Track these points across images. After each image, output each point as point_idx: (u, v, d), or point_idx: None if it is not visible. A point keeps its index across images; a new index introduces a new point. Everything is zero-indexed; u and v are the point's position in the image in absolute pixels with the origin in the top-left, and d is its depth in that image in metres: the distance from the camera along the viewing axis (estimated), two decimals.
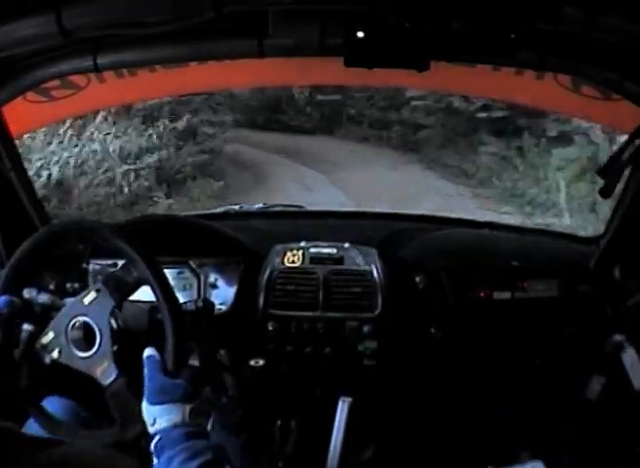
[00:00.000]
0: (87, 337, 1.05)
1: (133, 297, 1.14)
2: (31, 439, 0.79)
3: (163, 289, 1.05)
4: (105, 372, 1.03)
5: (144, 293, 1.09)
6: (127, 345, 1.07)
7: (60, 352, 1.06)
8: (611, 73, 1.26)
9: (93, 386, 1.04)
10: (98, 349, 1.04)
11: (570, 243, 1.73)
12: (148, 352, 0.97)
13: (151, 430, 0.89)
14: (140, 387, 0.97)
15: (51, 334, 1.07)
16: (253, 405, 1.45)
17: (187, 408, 0.90)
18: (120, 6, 1.02)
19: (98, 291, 1.06)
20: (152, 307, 1.11)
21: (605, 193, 1.25)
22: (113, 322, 1.06)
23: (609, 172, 1.24)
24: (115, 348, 1.05)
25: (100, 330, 1.04)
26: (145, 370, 0.95)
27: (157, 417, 0.89)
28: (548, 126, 6.96)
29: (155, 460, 0.85)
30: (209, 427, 0.96)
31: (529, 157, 7.28)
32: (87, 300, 1.07)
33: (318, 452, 1.28)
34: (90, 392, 1.06)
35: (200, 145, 7.76)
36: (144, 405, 0.92)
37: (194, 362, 1.01)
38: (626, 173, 1.40)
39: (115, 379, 1.01)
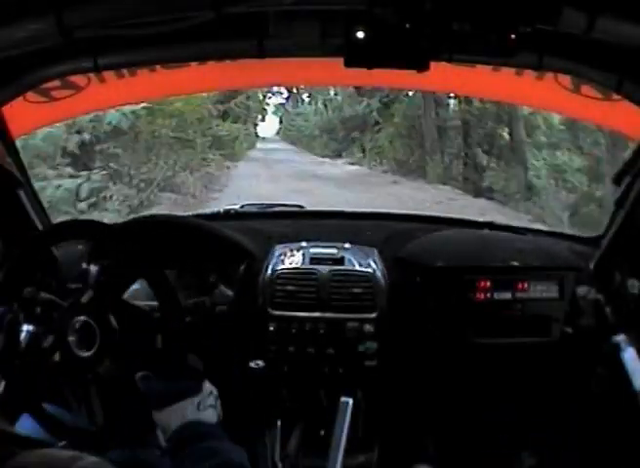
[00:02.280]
0: (87, 337, 1.05)
1: (133, 298, 1.14)
2: (17, 438, 0.78)
3: (163, 289, 1.05)
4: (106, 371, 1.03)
5: (145, 293, 1.09)
6: (127, 344, 1.07)
7: (61, 354, 1.06)
8: (610, 74, 1.26)
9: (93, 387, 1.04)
10: (98, 348, 1.05)
11: (570, 243, 1.73)
12: (140, 375, 0.96)
13: (167, 437, 0.88)
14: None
15: (51, 338, 1.07)
16: (253, 406, 1.45)
17: (195, 402, 0.89)
18: (120, 6, 1.02)
19: (94, 290, 1.07)
20: (152, 308, 1.11)
21: (621, 202, 1.24)
22: (113, 320, 1.06)
23: (623, 178, 1.23)
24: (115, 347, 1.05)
25: (99, 328, 1.04)
26: (143, 388, 0.94)
27: (170, 422, 0.88)
28: None
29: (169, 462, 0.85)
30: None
31: None
32: (85, 300, 1.07)
33: (319, 453, 1.28)
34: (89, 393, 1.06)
35: None
36: (155, 416, 0.91)
37: (192, 359, 1.00)
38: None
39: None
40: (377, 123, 12.31)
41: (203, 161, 9.38)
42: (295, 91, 19.38)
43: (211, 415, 0.91)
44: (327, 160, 13.49)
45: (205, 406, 0.90)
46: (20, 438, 0.80)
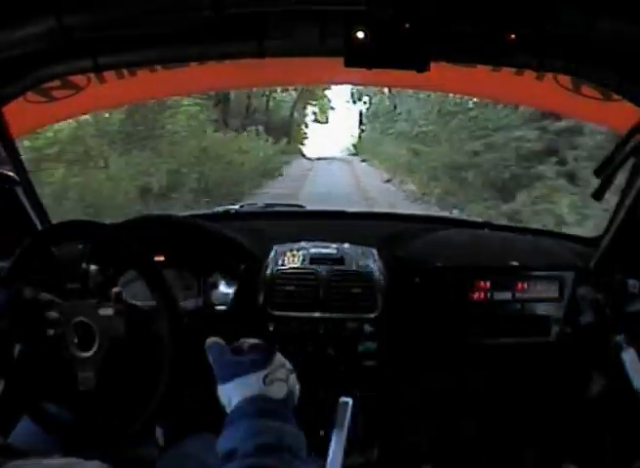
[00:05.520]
0: (87, 337, 1.05)
1: (132, 299, 1.14)
2: (12, 451, 0.76)
3: (161, 290, 1.05)
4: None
5: (145, 293, 1.09)
6: (126, 344, 1.07)
7: (60, 354, 1.07)
8: (610, 74, 1.26)
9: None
10: (97, 348, 1.05)
11: (570, 243, 1.73)
12: (211, 340, 0.93)
13: (228, 411, 0.83)
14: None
15: (50, 339, 1.07)
16: None
17: (260, 376, 0.85)
18: (120, 6, 1.02)
19: (93, 290, 1.07)
20: (152, 308, 1.11)
21: (598, 195, 1.24)
22: (112, 320, 1.06)
23: (605, 172, 1.23)
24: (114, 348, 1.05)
25: (98, 326, 1.05)
26: (210, 357, 0.89)
27: (231, 396, 0.84)
28: None
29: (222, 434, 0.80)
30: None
31: None
32: (84, 300, 1.07)
33: (319, 454, 1.28)
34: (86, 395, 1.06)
35: None
36: (219, 389, 0.86)
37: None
38: (627, 172, 1.40)
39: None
40: None
41: None
42: None
43: (277, 389, 0.85)
44: None
45: (272, 379, 0.85)
46: (7, 448, 0.78)
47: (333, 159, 13.83)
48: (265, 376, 0.85)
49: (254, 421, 0.78)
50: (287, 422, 0.80)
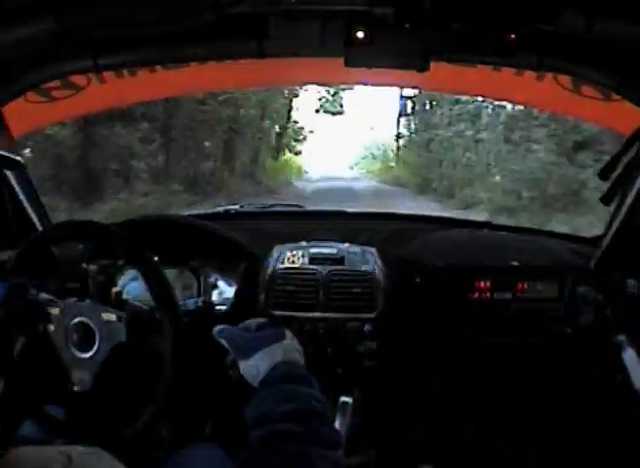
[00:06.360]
0: (87, 338, 1.05)
1: (132, 299, 1.14)
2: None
3: (161, 290, 1.05)
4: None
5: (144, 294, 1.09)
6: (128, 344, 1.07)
7: (60, 355, 1.07)
8: (610, 74, 1.26)
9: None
10: (98, 349, 1.05)
11: (570, 243, 1.73)
12: (218, 327, 0.95)
13: (256, 383, 0.86)
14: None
15: (50, 339, 1.07)
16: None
17: (281, 346, 0.88)
18: (120, 6, 1.02)
19: (93, 290, 1.07)
20: (152, 308, 1.11)
21: (607, 199, 1.23)
22: (113, 321, 1.06)
23: (610, 174, 1.22)
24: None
25: (99, 329, 1.05)
26: (224, 341, 0.92)
27: (259, 366, 0.86)
28: None
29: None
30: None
31: None
32: (84, 300, 1.07)
33: None
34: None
35: None
36: (242, 365, 0.89)
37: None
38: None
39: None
40: None
41: None
42: None
43: (299, 357, 0.89)
44: None
45: (293, 349, 0.89)
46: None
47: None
48: (286, 346, 0.88)
49: (283, 387, 0.81)
50: (313, 387, 0.82)
